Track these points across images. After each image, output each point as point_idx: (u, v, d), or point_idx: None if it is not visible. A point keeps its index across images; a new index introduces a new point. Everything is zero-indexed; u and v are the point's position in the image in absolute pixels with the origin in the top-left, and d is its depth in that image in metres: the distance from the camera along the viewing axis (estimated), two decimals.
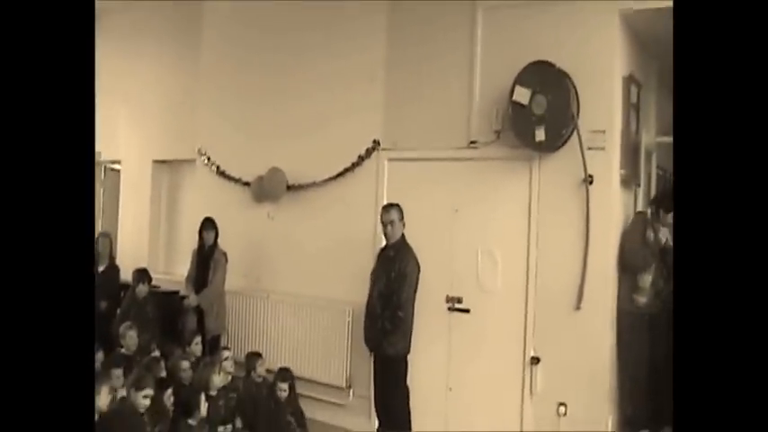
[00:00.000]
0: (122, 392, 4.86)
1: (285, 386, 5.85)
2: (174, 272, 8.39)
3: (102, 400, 4.47)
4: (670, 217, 5.28)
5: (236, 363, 6.12)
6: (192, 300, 6.64)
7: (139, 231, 8.80)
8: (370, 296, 5.50)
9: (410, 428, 5.44)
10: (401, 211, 5.47)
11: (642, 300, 5.30)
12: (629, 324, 5.29)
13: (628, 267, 5.31)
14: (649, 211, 5.44)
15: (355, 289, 6.05)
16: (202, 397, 5.07)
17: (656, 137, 6.16)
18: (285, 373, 5.92)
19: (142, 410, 4.64)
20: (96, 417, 4.46)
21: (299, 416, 5.99)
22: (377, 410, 5.67)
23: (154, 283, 7.19)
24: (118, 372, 5.21)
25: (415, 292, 5.40)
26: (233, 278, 6.93)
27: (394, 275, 5.32)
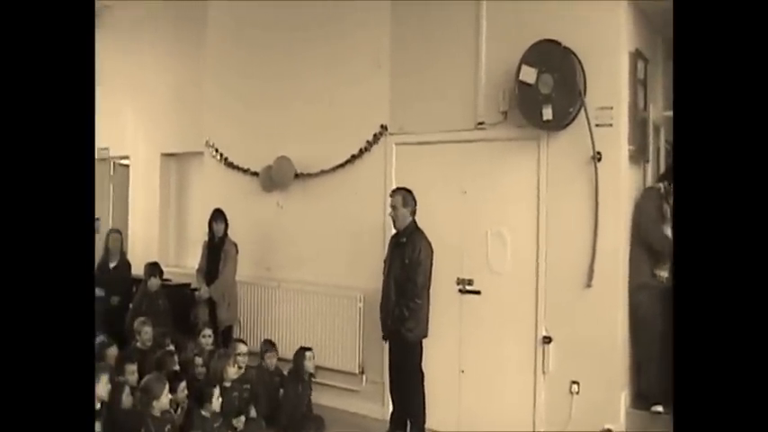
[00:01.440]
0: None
1: (311, 363, 5.92)
2: (184, 264, 8.41)
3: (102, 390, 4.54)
4: None
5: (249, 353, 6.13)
6: (204, 291, 6.66)
7: (149, 225, 8.80)
8: (385, 283, 5.47)
9: (424, 412, 5.43)
10: (406, 197, 5.41)
11: (664, 274, 5.28)
12: (647, 299, 5.26)
13: (648, 243, 5.28)
14: (662, 185, 5.40)
15: (366, 275, 6.06)
16: (216, 389, 5.07)
17: (663, 111, 6.10)
18: (309, 351, 5.96)
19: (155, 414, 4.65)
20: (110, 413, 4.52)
21: (309, 402, 6.01)
22: (392, 396, 5.66)
23: (165, 276, 7.23)
24: (132, 367, 5.25)
25: (430, 277, 5.38)
26: (244, 268, 6.93)
27: (408, 262, 5.28)
